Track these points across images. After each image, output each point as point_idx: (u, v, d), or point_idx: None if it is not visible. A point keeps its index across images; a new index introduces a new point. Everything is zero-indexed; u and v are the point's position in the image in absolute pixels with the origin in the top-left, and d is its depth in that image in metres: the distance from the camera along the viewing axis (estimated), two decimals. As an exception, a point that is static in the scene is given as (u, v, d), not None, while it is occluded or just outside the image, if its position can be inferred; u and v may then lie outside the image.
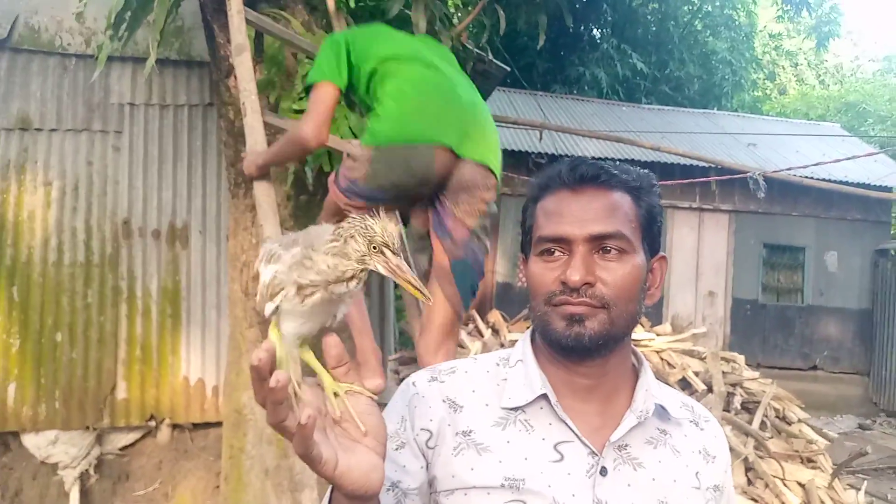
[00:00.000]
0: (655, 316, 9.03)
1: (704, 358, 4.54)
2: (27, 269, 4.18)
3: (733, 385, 4.35)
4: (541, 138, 5.46)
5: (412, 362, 4.68)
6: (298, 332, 0.79)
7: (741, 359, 4.61)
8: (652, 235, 0.97)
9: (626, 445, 0.95)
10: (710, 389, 4.23)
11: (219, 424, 3.95)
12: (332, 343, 0.73)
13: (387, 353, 4.56)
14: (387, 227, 0.74)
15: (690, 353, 4.73)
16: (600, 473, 0.91)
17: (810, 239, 9.80)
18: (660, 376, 4.30)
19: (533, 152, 8.85)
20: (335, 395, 0.74)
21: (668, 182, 8.70)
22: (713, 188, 8.54)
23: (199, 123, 4.55)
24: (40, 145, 4.32)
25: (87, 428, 4.12)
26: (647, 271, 0.97)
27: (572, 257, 0.92)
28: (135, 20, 3.04)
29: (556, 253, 0.94)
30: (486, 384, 0.99)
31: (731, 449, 3.95)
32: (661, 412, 0.98)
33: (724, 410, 4.11)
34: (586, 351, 0.93)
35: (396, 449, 0.94)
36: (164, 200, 4.43)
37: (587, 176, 0.95)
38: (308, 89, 2.96)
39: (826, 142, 11.03)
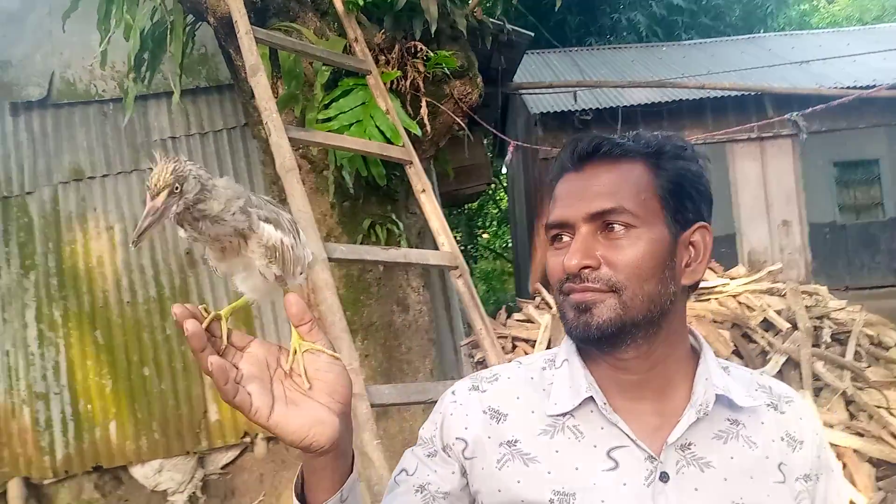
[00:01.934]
0: (730, 256, 8.73)
1: (785, 295, 4.36)
2: (105, 312, 4.37)
3: (820, 318, 4.17)
4: (575, 99, 5.30)
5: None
6: (242, 289, 0.83)
7: (824, 290, 4.41)
8: (680, 204, 0.86)
9: (690, 444, 0.85)
10: (795, 327, 4.06)
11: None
12: (291, 301, 0.75)
13: (458, 338, 4.57)
14: (156, 171, 0.72)
15: (770, 292, 4.55)
16: (660, 480, 0.83)
17: (882, 150, 9.24)
18: (740, 321, 4.16)
19: (577, 110, 8.65)
20: (294, 351, 0.76)
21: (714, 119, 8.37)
22: (770, 114, 8.15)
23: (240, 145, 4.63)
24: (96, 192, 4.49)
25: (188, 453, 4.29)
26: (675, 246, 0.86)
27: (574, 241, 0.86)
28: (154, 59, 3.10)
29: (565, 238, 0.87)
30: (530, 390, 0.92)
31: (827, 385, 3.81)
32: (728, 401, 0.87)
33: (813, 346, 3.95)
34: (597, 342, 0.85)
35: (428, 455, 0.92)
36: (219, 225, 4.53)
37: (586, 151, 0.88)
38: (331, 102, 2.98)
39: (886, 44, 10.36)
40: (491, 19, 3.98)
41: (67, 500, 4.23)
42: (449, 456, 0.91)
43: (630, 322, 0.84)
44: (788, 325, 4.09)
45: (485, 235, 16.75)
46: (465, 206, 13.42)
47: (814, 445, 0.92)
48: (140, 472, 4.22)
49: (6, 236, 4.38)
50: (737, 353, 4.03)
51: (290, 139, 2.43)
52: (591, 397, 0.87)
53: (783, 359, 3.92)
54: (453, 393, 0.95)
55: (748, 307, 4.26)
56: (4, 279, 4.34)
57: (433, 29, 3.13)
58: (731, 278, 4.61)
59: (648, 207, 0.85)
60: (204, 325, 0.71)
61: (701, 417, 0.86)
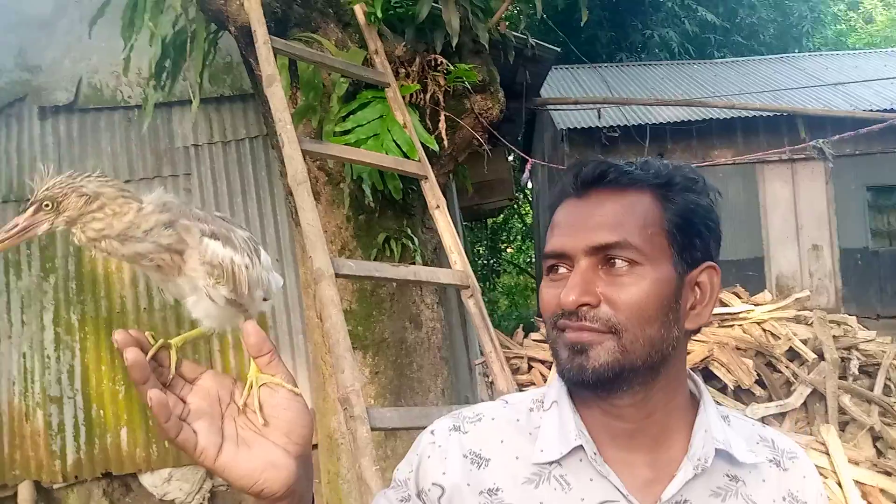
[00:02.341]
0: (758, 280, 8.55)
1: (812, 323, 4.22)
2: (122, 318, 4.38)
3: (847, 349, 4.03)
4: (599, 116, 5.22)
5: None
6: (195, 315, 0.78)
7: (853, 319, 4.26)
8: (688, 241, 0.80)
9: (685, 501, 0.79)
10: (821, 357, 3.93)
11: (318, 447, 4.01)
12: (248, 330, 0.69)
13: (472, 357, 4.50)
14: (35, 185, 0.69)
15: (797, 320, 4.41)
16: None
17: (918, 175, 9.03)
18: (764, 350, 4.04)
19: (604, 127, 8.56)
20: (251, 385, 0.70)
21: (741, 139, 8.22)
22: (802, 135, 7.98)
23: (261, 154, 4.64)
24: (118, 198, 4.51)
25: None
26: (681, 287, 0.80)
27: (572, 274, 0.79)
28: (175, 67, 3.10)
29: (561, 270, 0.81)
30: (516, 433, 0.85)
31: (854, 419, 3.67)
32: (727, 456, 0.81)
33: (840, 378, 3.81)
34: (592, 386, 0.78)
35: (401, 500, 0.85)
36: (238, 234, 4.54)
37: (591, 177, 0.81)
38: (349, 114, 2.95)
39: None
40: (515, 34, 3.93)
41: (75, 505, 4.24)
42: (423, 502, 0.84)
43: (629, 367, 0.77)
44: (815, 356, 3.96)
45: (509, 250, 16.68)
46: (490, 220, 13.36)
47: None
48: (149, 481, 4.21)
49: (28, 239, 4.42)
50: (760, 382, 3.91)
51: (304, 151, 2.40)
52: (581, 445, 0.80)
53: (808, 390, 3.79)
54: (432, 433, 0.88)
55: (773, 335, 4.13)
56: (24, 281, 4.38)
57: (454, 42, 3.09)
58: (756, 304, 4.48)
59: (655, 243, 0.78)
60: (149, 354, 0.66)
61: (699, 473, 0.79)
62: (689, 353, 3.88)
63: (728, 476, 0.82)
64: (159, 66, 3.05)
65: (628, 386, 0.79)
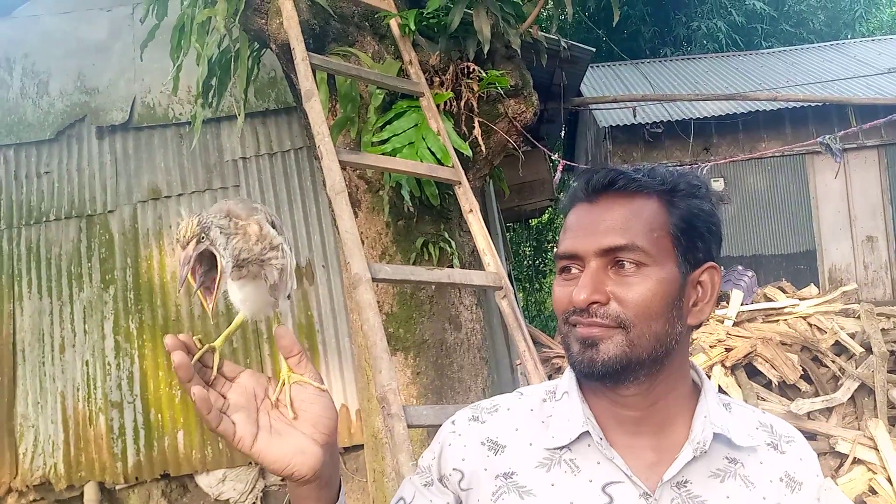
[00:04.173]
0: (810, 273, 8.36)
1: (860, 316, 4.14)
2: (177, 326, 4.58)
3: (897, 342, 3.94)
4: (634, 115, 5.21)
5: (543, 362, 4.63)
6: (233, 300, 0.88)
7: (903, 312, 4.16)
8: (691, 244, 0.86)
9: (687, 482, 0.85)
10: (869, 351, 3.86)
11: (365, 447, 4.12)
12: (280, 333, 0.80)
13: (514, 357, 4.55)
14: (183, 226, 0.78)
15: (844, 313, 4.34)
16: None
17: (979, 161, 8.68)
18: (810, 344, 3.98)
19: (647, 124, 8.48)
20: (283, 382, 0.80)
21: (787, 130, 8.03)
22: (852, 125, 7.77)
23: (306, 165, 4.79)
24: (171, 211, 4.73)
25: (250, 464, 4.43)
26: (684, 286, 0.86)
27: (583, 274, 0.86)
28: (221, 85, 3.25)
29: (574, 270, 0.88)
30: (530, 422, 0.93)
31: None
32: (726, 440, 0.88)
33: (889, 371, 3.74)
34: (601, 378, 0.85)
35: (425, 485, 0.94)
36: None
37: (601, 184, 0.88)
38: (386, 124, 3.05)
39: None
40: (548, 35, 3.98)
41: (137, 505, 4.46)
42: (445, 486, 0.92)
43: (635, 360, 0.84)
44: (862, 350, 3.89)
45: (556, 250, 16.59)
46: (535, 221, 13.34)
47: (813, 487, 0.90)
48: (205, 481, 4.39)
49: (89, 252, 4.66)
50: (806, 377, 3.86)
51: (342, 162, 2.51)
52: (588, 431, 0.87)
53: (856, 385, 3.73)
54: (453, 423, 0.97)
55: (819, 329, 4.07)
56: (86, 293, 4.61)
57: (487, 49, 3.16)
58: (802, 299, 4.41)
59: (660, 246, 0.85)
60: (195, 357, 0.75)
61: (698, 455, 0.86)
62: (732, 349, 3.87)
63: (727, 459, 0.88)
64: (206, 84, 3.20)
65: (634, 377, 0.86)
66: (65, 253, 4.68)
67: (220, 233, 0.79)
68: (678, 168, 0.92)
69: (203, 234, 0.78)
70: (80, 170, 4.78)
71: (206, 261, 0.79)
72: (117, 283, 4.62)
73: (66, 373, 4.55)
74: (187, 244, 0.77)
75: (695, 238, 0.87)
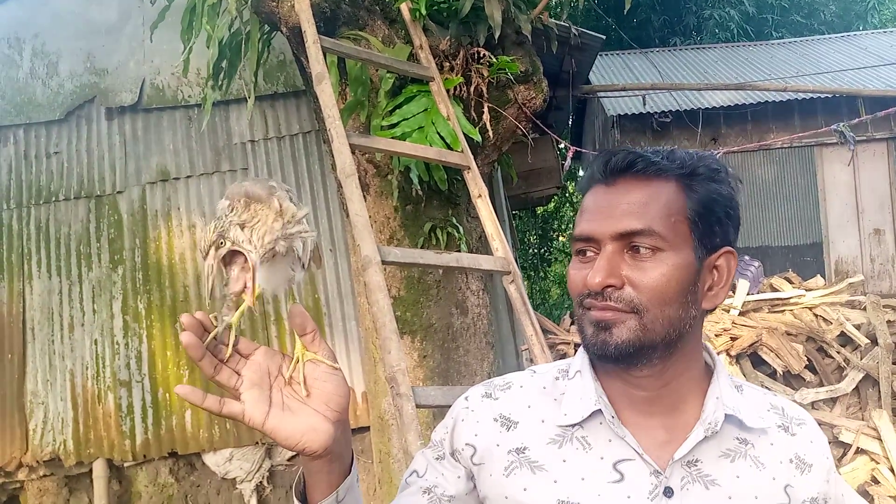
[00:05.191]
0: (816, 265, 8.34)
1: (866, 308, 4.15)
2: (185, 307, 4.61)
3: (903, 333, 3.95)
4: (644, 103, 5.19)
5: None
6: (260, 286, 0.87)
7: (909, 304, 4.16)
8: (709, 229, 0.86)
9: (697, 461, 0.86)
10: (875, 342, 3.86)
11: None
12: (294, 312, 0.80)
13: (520, 342, 4.58)
14: (200, 235, 0.79)
15: (850, 305, 4.34)
16: (664, 495, 0.84)
17: None
18: (815, 335, 3.99)
19: (656, 112, 8.45)
20: (297, 360, 0.81)
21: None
22: (862, 116, 7.73)
23: (315, 149, 4.79)
24: (180, 193, 4.74)
25: (257, 443, 4.48)
26: (699, 270, 0.86)
27: (599, 257, 0.85)
28: (231, 67, 3.26)
29: (589, 253, 0.87)
30: (542, 399, 0.94)
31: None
32: (737, 421, 0.88)
33: (894, 363, 3.75)
34: (614, 360, 0.86)
35: (437, 458, 0.95)
36: (293, 225, 4.71)
37: (619, 166, 0.87)
38: (395, 108, 3.05)
39: None
40: (558, 22, 3.97)
41: (145, 482, 4.50)
42: (457, 461, 0.94)
43: (648, 344, 0.85)
44: (867, 341, 3.90)
45: (561, 238, 16.59)
46: (541, 209, 13.33)
47: (823, 469, 0.91)
48: (212, 460, 4.43)
49: (98, 232, 4.69)
50: (811, 367, 3.87)
51: (352, 145, 2.52)
52: (601, 410, 0.88)
53: (860, 375, 3.74)
54: (466, 399, 0.98)
55: (825, 320, 4.08)
56: (95, 272, 4.65)
57: (497, 35, 3.16)
58: (808, 289, 4.42)
59: (678, 231, 0.85)
60: (210, 335, 0.76)
61: (709, 435, 0.86)
62: (737, 338, 3.89)
63: (738, 439, 0.89)
64: (216, 67, 3.21)
65: (647, 360, 0.86)
66: (74, 233, 4.71)
67: (242, 229, 0.80)
68: (697, 151, 0.91)
69: (221, 240, 0.79)
70: (89, 150, 4.80)
71: (236, 256, 0.80)
72: (126, 264, 4.65)
73: (76, 351, 4.59)
74: (207, 253, 0.79)
75: (712, 223, 0.86)
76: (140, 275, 4.64)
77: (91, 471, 4.44)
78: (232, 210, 0.81)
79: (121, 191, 4.74)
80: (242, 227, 0.80)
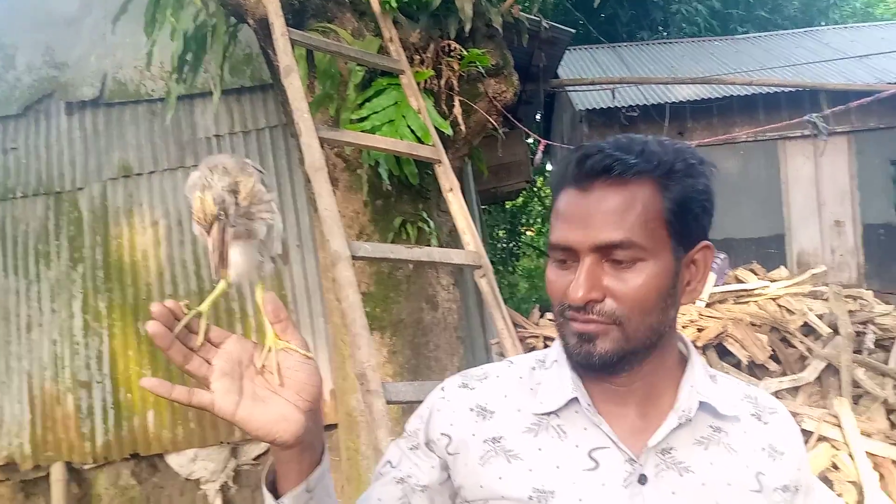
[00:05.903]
0: (779, 257, 8.51)
1: (828, 298, 4.23)
2: (148, 305, 4.50)
3: (864, 323, 4.04)
4: (613, 96, 5.23)
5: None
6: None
7: (869, 294, 4.26)
8: (686, 227, 0.85)
9: (671, 449, 0.87)
10: (837, 332, 3.95)
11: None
12: (266, 299, 0.79)
13: (489, 337, 4.58)
14: (199, 206, 0.76)
15: (813, 295, 4.43)
16: (639, 482, 0.85)
17: (944, 148, 8.87)
18: (779, 325, 4.06)
19: (623, 107, 8.52)
20: (269, 349, 0.79)
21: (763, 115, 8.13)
22: (824, 110, 7.89)
23: (281, 143, 4.72)
24: (143, 189, 4.64)
25: (222, 443, 4.41)
26: (678, 271, 0.86)
27: (578, 270, 0.84)
28: (196, 60, 3.19)
29: (568, 261, 0.86)
30: (518, 389, 0.94)
31: (867, 393, 3.70)
32: (712, 409, 0.89)
33: (855, 352, 3.83)
34: (598, 370, 0.86)
35: (411, 448, 0.94)
36: (259, 221, 4.64)
37: (596, 170, 0.83)
38: (365, 101, 3.01)
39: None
40: (528, 16, 3.96)
41: (105, 485, 4.40)
42: (431, 450, 0.93)
43: (631, 351, 0.85)
44: (830, 330, 3.98)
45: (529, 233, 16.66)
46: (510, 204, 13.37)
47: (795, 458, 0.92)
48: (175, 461, 4.35)
49: (57, 230, 4.57)
50: (774, 357, 3.94)
51: (321, 139, 2.48)
52: (577, 398, 0.88)
53: (822, 365, 3.82)
54: (442, 389, 0.97)
55: (788, 310, 4.15)
56: (54, 271, 4.53)
57: (468, 28, 3.14)
58: (772, 281, 4.50)
59: (656, 237, 0.84)
60: (181, 323, 0.74)
61: (683, 423, 0.87)
62: (703, 330, 3.93)
63: (712, 427, 0.89)
64: (181, 60, 3.14)
65: (630, 367, 0.87)
66: (32, 231, 4.58)
67: (234, 204, 0.78)
68: (672, 142, 0.88)
69: (222, 213, 0.76)
70: (48, 146, 4.67)
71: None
72: (86, 262, 4.54)
73: (33, 352, 4.47)
74: (210, 227, 0.76)
75: (689, 220, 0.86)
76: (101, 273, 4.53)
77: (49, 474, 4.32)
78: (218, 178, 0.78)
79: (81, 187, 4.62)
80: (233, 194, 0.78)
